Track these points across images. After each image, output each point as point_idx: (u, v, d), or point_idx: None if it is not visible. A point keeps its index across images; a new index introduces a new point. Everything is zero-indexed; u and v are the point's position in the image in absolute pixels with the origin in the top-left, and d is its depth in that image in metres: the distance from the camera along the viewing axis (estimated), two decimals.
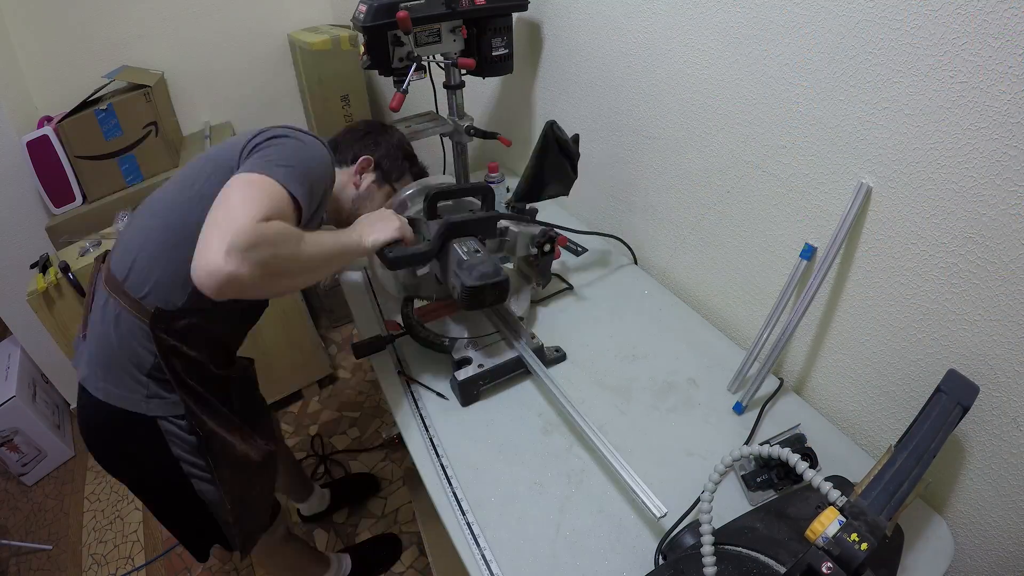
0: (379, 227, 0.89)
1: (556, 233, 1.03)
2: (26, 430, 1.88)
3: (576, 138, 1.07)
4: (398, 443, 1.86)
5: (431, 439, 0.90)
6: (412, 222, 0.97)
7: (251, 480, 0.97)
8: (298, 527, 1.69)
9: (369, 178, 1.05)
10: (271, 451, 1.00)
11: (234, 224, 0.66)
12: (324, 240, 0.81)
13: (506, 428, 0.91)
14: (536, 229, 1.03)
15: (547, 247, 1.03)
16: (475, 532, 0.77)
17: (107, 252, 0.94)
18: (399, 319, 1.09)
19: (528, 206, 1.09)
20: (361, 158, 1.04)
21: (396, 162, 1.08)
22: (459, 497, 0.81)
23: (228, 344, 0.99)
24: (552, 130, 1.03)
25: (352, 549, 1.56)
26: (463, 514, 0.79)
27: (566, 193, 1.12)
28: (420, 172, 1.16)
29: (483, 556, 0.74)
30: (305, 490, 1.62)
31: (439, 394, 0.97)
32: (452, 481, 0.84)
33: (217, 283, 0.64)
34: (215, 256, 0.64)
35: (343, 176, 1.03)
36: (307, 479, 1.64)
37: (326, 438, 1.94)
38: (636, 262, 1.29)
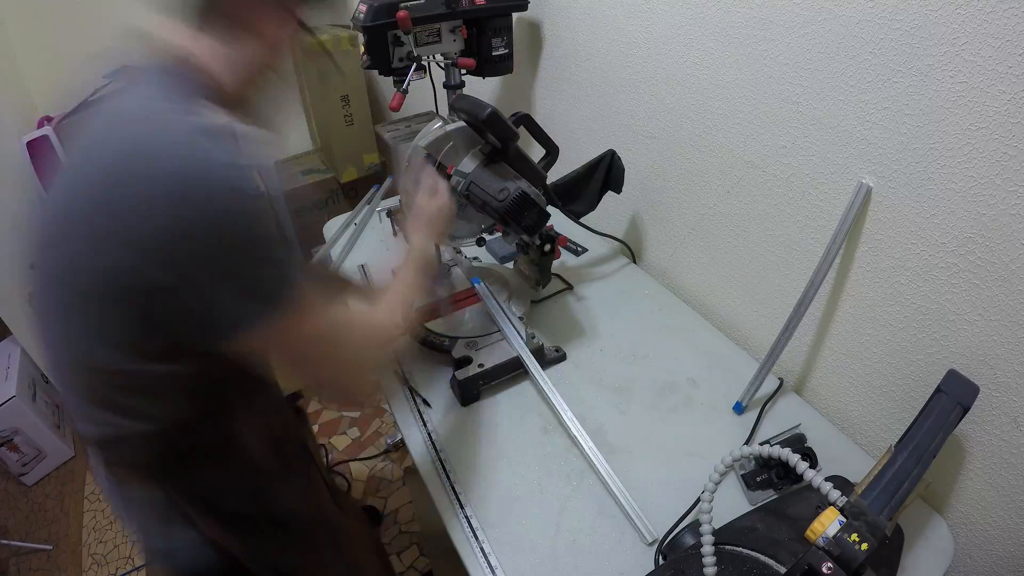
0: (439, 228, 0.83)
1: (556, 233, 1.03)
2: (26, 430, 1.87)
3: (613, 154, 1.11)
4: (401, 446, 1.86)
5: (431, 439, 0.90)
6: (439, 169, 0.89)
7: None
8: None
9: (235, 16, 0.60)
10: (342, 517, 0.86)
11: (374, 337, 0.68)
12: (407, 279, 0.76)
13: (506, 428, 0.91)
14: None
15: (547, 247, 1.03)
16: (475, 532, 0.77)
17: None
18: None
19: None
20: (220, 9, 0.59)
21: None
22: (459, 497, 0.81)
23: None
24: (613, 159, 1.09)
25: None
26: (463, 514, 0.79)
27: (584, 214, 1.14)
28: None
29: (483, 556, 0.74)
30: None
31: (424, 401, 0.96)
32: (452, 481, 0.84)
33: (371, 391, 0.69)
34: (368, 391, 0.71)
35: (183, 47, 0.60)
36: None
37: (326, 439, 1.94)
38: (635, 262, 1.29)
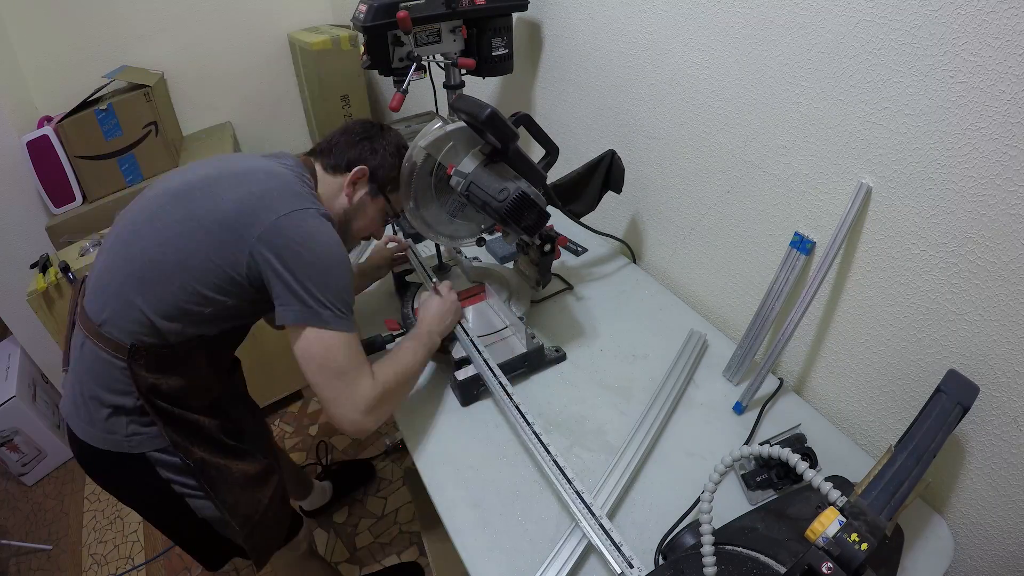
0: (448, 321, 0.99)
1: (556, 233, 1.03)
2: (26, 430, 1.88)
3: (613, 154, 1.12)
4: (400, 447, 1.86)
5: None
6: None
7: (255, 496, 0.95)
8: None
9: (363, 190, 0.96)
10: (269, 463, 0.99)
11: (359, 397, 0.81)
12: (415, 354, 0.90)
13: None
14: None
15: (547, 247, 1.03)
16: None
17: (84, 280, 0.91)
18: (399, 319, 1.10)
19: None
20: (356, 168, 0.94)
21: (393, 172, 0.97)
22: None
23: (213, 367, 0.93)
24: (613, 159, 1.10)
25: None
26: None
27: (584, 214, 1.14)
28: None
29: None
30: (304, 488, 1.62)
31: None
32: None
33: (362, 434, 0.83)
34: (357, 421, 0.81)
35: (334, 184, 0.95)
36: (305, 477, 1.64)
37: (326, 438, 1.94)
38: (635, 261, 1.29)
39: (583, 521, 0.72)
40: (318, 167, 0.95)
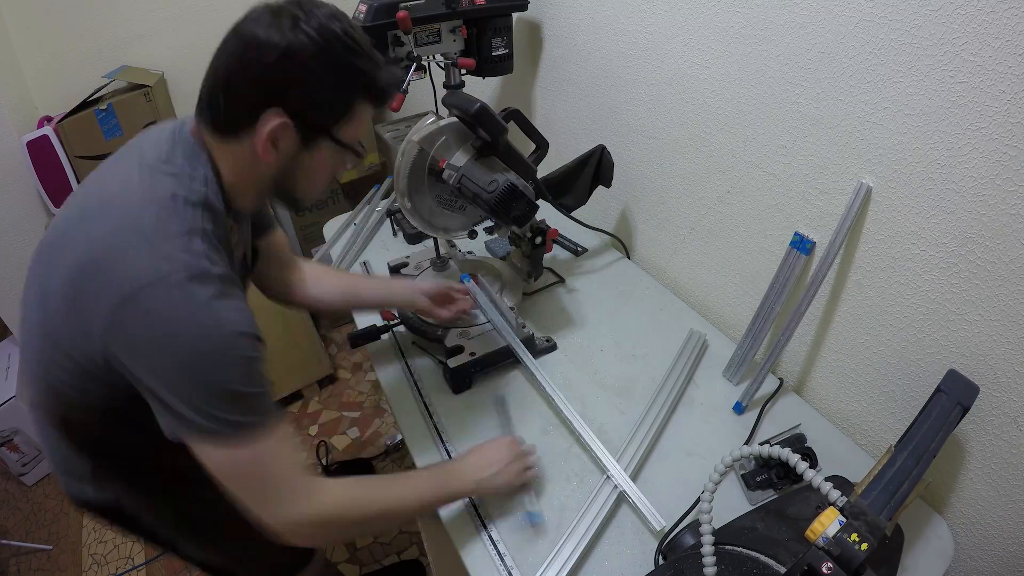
0: (498, 479, 0.75)
1: (547, 226, 1.04)
2: (26, 430, 1.87)
3: (603, 149, 1.12)
4: (400, 447, 1.86)
5: (435, 425, 0.90)
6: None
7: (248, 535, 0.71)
8: None
9: (291, 144, 0.63)
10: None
11: (291, 516, 0.61)
12: (418, 498, 0.70)
13: (506, 429, 0.91)
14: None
15: (539, 240, 1.04)
16: (476, 532, 0.77)
17: None
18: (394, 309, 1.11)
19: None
20: (266, 116, 0.59)
21: (329, 89, 0.61)
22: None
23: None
24: (603, 153, 1.11)
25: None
26: (464, 514, 0.79)
27: (574, 208, 1.15)
28: (384, 88, 0.66)
29: (483, 555, 0.74)
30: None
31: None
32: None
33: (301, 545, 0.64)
34: (287, 537, 0.62)
35: (240, 153, 0.63)
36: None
37: (326, 439, 1.94)
38: (629, 256, 1.29)
39: (615, 476, 0.79)
40: (207, 137, 0.64)
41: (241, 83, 0.60)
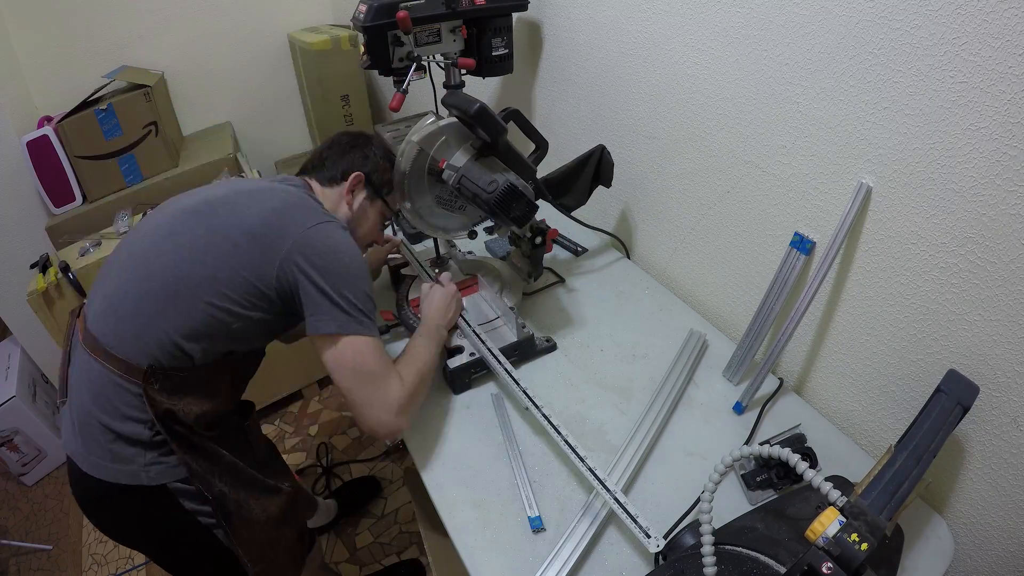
0: (451, 313, 1.00)
1: (547, 226, 1.04)
2: (26, 430, 1.87)
3: (603, 149, 1.12)
4: (401, 448, 1.86)
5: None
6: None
7: (272, 535, 0.92)
8: None
9: (361, 195, 0.99)
10: (290, 497, 0.95)
11: (391, 399, 0.82)
12: (429, 350, 0.91)
13: (505, 428, 0.91)
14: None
15: (539, 240, 1.04)
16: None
17: (82, 306, 0.87)
18: (394, 310, 1.11)
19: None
20: (352, 175, 0.96)
21: (386, 174, 1.00)
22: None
23: (235, 390, 0.93)
24: (603, 153, 1.11)
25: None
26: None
27: (574, 208, 1.15)
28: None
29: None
30: (310, 507, 1.54)
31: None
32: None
33: (395, 436, 0.84)
34: (391, 422, 0.81)
35: (333, 195, 0.97)
36: (311, 497, 1.57)
37: (326, 438, 1.94)
38: (628, 256, 1.29)
39: (603, 493, 0.76)
40: (313, 183, 0.97)
41: (341, 155, 0.99)
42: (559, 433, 0.82)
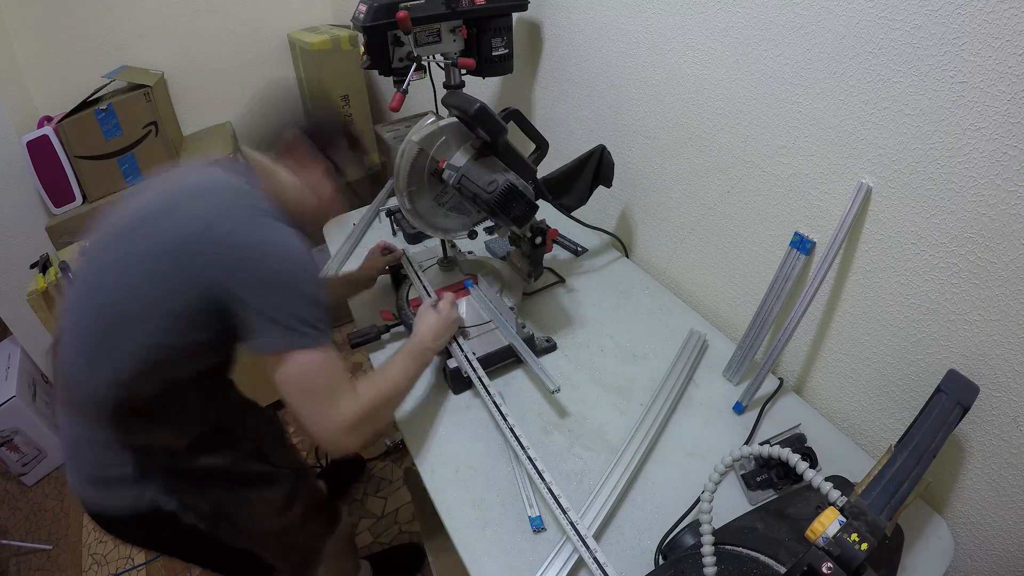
0: (443, 340, 0.94)
1: (547, 226, 1.04)
2: (26, 430, 1.87)
3: (603, 149, 1.12)
4: (401, 448, 1.86)
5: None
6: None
7: (281, 523, 0.92)
8: None
9: (304, 156, 0.86)
10: (294, 477, 0.94)
11: (340, 417, 0.75)
12: (406, 372, 0.86)
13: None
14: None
15: (539, 240, 1.04)
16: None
17: (56, 343, 0.82)
18: (394, 310, 1.10)
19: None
20: (288, 132, 0.83)
21: (326, 126, 0.87)
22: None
23: (206, 403, 0.86)
24: (603, 153, 1.11)
25: (373, 557, 1.52)
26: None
27: (575, 208, 1.15)
28: (351, 134, 0.93)
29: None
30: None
31: None
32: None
33: (346, 452, 0.77)
34: (340, 441, 0.76)
35: (272, 162, 0.84)
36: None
37: None
38: (628, 256, 1.29)
39: (572, 538, 0.72)
40: (254, 154, 0.85)
41: (272, 115, 0.87)
42: (534, 466, 0.80)
